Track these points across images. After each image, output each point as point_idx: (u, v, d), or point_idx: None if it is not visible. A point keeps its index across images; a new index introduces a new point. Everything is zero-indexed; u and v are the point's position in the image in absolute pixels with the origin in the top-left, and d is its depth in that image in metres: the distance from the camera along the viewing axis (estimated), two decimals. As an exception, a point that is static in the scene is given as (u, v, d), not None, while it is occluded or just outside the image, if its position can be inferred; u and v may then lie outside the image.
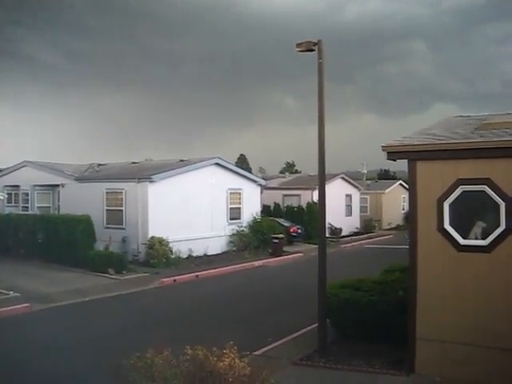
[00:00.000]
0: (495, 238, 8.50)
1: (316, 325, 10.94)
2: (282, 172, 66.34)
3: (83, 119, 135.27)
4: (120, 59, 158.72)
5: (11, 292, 16.35)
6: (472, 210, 8.97)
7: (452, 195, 8.84)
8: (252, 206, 29.26)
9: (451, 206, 8.88)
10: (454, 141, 9.17)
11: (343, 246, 32.62)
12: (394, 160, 9.61)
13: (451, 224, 8.86)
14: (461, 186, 8.78)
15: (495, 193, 8.47)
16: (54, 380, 9.21)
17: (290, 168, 77.66)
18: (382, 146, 9.34)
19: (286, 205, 36.50)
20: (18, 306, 15.00)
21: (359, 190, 42.38)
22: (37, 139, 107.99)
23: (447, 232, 8.85)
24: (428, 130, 10.84)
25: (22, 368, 9.83)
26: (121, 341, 11.47)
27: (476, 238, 8.77)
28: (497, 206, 8.51)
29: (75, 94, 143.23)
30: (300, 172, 59.07)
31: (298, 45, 10.84)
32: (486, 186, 8.55)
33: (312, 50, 10.83)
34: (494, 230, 8.54)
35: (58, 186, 27.27)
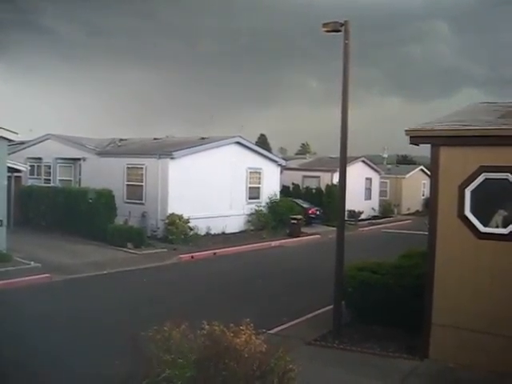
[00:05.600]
0: (516, 227, 8.43)
1: (331, 306, 10.99)
2: (297, 154, 66.02)
3: (104, 94, 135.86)
4: (138, 35, 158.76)
5: (32, 262, 16.66)
6: (494, 198, 8.89)
7: (474, 182, 8.77)
8: (271, 186, 29.25)
9: (473, 192, 8.80)
10: (479, 127, 9.04)
11: (361, 229, 32.54)
12: (417, 144, 9.54)
13: (472, 211, 8.80)
14: (483, 174, 8.69)
15: (519, 181, 8.38)
16: (74, 348, 9.41)
17: (304, 149, 77.20)
18: (406, 130, 9.26)
19: (305, 186, 36.45)
20: (38, 276, 15.29)
21: (379, 173, 42.09)
22: (59, 113, 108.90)
23: (467, 219, 8.79)
24: (452, 115, 10.71)
25: (42, 336, 10.04)
26: (138, 314, 11.65)
27: (497, 226, 8.71)
28: (519, 194, 8.43)
29: (95, 68, 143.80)
30: (315, 154, 58.70)
31: (325, 25, 10.68)
32: (509, 174, 8.46)
33: (338, 31, 10.68)
34: (516, 218, 8.47)
35: (79, 159, 27.52)
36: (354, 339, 10.15)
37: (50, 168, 28.65)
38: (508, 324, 8.34)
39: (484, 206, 8.83)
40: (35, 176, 28.95)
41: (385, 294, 10.43)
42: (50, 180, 28.33)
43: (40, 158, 28.90)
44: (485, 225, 8.74)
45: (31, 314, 11.56)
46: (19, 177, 25.08)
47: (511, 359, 8.22)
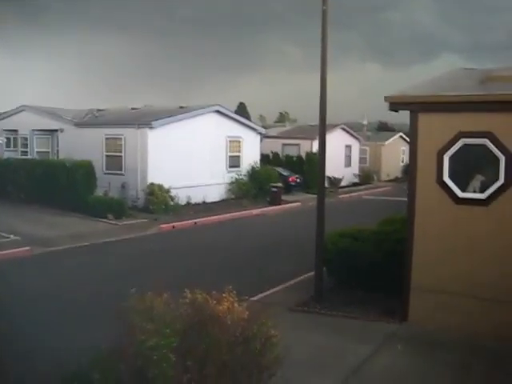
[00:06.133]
0: (493, 192, 8.57)
1: (313, 273, 11.12)
2: (276, 122, 65.91)
3: (80, 65, 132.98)
4: (115, 2, 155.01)
5: (11, 235, 16.53)
6: (471, 164, 8.99)
7: (452, 148, 8.85)
8: (251, 154, 29.23)
9: (451, 158, 8.89)
10: (457, 93, 9.08)
11: (341, 196, 32.77)
12: (396, 111, 9.56)
13: (450, 177, 8.91)
14: (462, 139, 8.77)
15: (496, 147, 8.48)
16: (59, 320, 9.43)
17: (283, 118, 76.90)
18: (385, 97, 9.26)
19: (285, 154, 36.47)
20: (18, 250, 15.19)
21: (359, 141, 42.25)
22: (34, 85, 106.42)
23: (446, 184, 8.90)
24: (432, 81, 10.73)
25: (29, 308, 10.02)
26: (119, 284, 11.63)
27: (474, 191, 8.83)
28: (496, 159, 8.54)
29: (71, 39, 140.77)
30: (296, 121, 58.57)
31: (303, -10, 10.54)
32: (487, 140, 8.55)
33: (316, -4, 10.55)
34: (493, 183, 8.60)
35: (56, 131, 27.12)
36: (335, 304, 10.30)
37: (26, 140, 28.16)
38: (485, 287, 8.53)
39: (462, 172, 8.93)
40: (12, 148, 28.48)
41: (365, 260, 10.57)
42: (27, 152, 27.87)
43: (16, 130, 28.39)
44: (463, 190, 8.86)
45: (12, 287, 11.49)
46: (-5, 149, 24.71)
47: (488, 321, 8.45)
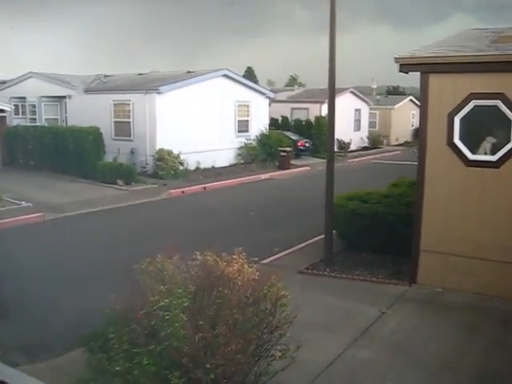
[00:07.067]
0: (504, 154, 8.50)
1: (322, 236, 11.17)
2: (286, 86, 65.17)
3: (84, 29, 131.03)
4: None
5: (23, 202, 16.66)
6: (483, 126, 8.90)
7: (463, 110, 8.75)
8: (260, 118, 29.06)
9: (462, 120, 8.81)
10: (468, 53, 8.93)
11: (350, 160, 32.61)
12: (407, 72, 9.43)
13: (461, 139, 8.83)
14: (473, 101, 8.66)
15: (508, 108, 8.37)
16: (74, 283, 9.59)
17: (293, 82, 75.95)
18: (395, 58, 9.13)
19: (294, 118, 36.23)
20: (30, 216, 15.34)
21: (368, 104, 41.81)
22: (37, 51, 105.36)
23: (456, 147, 8.84)
24: (443, 42, 10.54)
25: (45, 270, 10.18)
26: (132, 248, 11.78)
27: (485, 154, 8.77)
28: (508, 121, 8.44)
29: (74, 2, 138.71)
30: (304, 85, 57.84)
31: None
32: (499, 101, 8.43)
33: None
34: (504, 145, 8.52)
35: (64, 97, 27.00)
36: (344, 267, 10.40)
37: (34, 107, 28.05)
38: (495, 249, 8.54)
39: (473, 134, 8.85)
40: (20, 116, 28.41)
41: (374, 223, 10.60)
42: (35, 119, 27.83)
43: (24, 98, 28.29)
44: (473, 152, 8.80)
45: (26, 252, 11.65)
46: (4, 117, 24.70)
47: (496, 282, 8.49)
